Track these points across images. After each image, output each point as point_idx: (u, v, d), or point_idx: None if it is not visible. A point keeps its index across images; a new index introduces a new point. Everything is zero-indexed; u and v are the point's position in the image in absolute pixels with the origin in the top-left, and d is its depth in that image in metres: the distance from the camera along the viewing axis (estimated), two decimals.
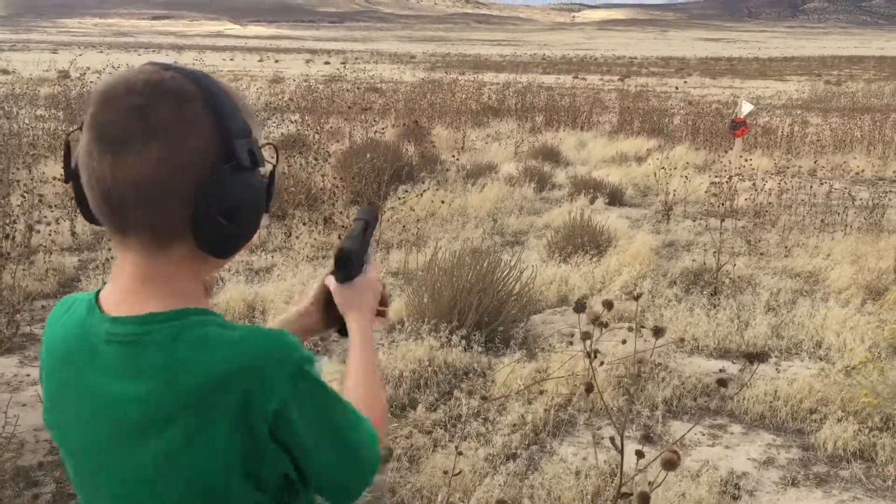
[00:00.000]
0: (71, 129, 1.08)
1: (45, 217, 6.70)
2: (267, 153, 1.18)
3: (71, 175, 1.07)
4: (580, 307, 2.31)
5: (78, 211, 1.11)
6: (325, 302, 1.44)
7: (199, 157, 1.02)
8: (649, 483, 2.76)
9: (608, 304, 2.45)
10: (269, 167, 1.13)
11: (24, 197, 6.85)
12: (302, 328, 1.44)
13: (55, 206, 7.51)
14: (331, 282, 1.43)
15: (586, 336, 2.38)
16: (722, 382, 2.51)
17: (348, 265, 1.41)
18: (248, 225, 1.08)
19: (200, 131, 1.02)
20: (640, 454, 2.45)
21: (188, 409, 1.00)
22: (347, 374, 1.29)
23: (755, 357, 2.41)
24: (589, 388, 2.60)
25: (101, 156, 1.00)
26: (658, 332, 2.41)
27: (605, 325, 2.42)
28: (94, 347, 1.06)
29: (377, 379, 1.31)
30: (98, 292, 1.11)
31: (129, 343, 1.03)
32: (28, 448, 3.79)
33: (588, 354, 2.43)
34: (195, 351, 1.01)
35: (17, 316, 5.29)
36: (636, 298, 2.81)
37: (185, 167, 1.01)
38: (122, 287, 1.08)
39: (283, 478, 1.08)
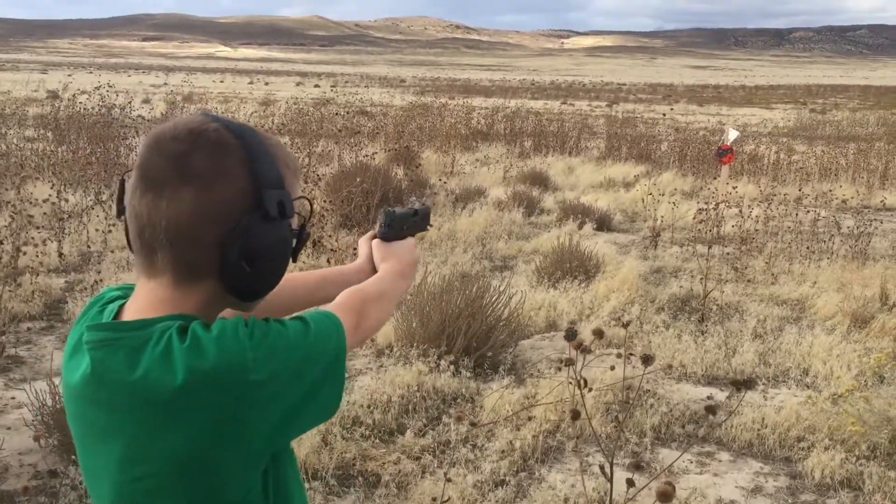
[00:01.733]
0: (126, 171, 1.15)
1: (33, 238, 6.68)
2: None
3: (122, 210, 1.14)
4: (571, 335, 2.32)
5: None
6: (373, 265, 1.54)
7: (229, 206, 1.08)
8: None
9: (598, 333, 2.46)
10: (299, 219, 1.19)
11: (13, 218, 6.81)
12: (357, 284, 1.49)
13: (43, 227, 7.47)
14: (375, 240, 1.55)
15: (569, 362, 2.39)
16: (711, 409, 2.52)
17: (392, 224, 1.53)
18: (270, 272, 1.14)
19: (233, 181, 1.08)
20: (630, 483, 2.44)
21: (157, 411, 1.03)
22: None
23: (742, 384, 2.43)
24: (576, 415, 2.60)
25: (142, 195, 1.08)
26: (647, 360, 2.42)
27: (589, 352, 2.43)
28: (78, 350, 1.12)
29: (368, 299, 1.32)
30: (122, 305, 1.16)
31: (99, 348, 1.07)
32: (12, 472, 3.74)
33: (577, 382, 2.44)
34: (160, 365, 1.02)
35: (3, 338, 5.25)
36: (625, 326, 2.82)
37: (215, 214, 1.07)
38: (140, 307, 1.12)
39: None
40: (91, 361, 1.07)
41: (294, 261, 1.19)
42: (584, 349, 2.30)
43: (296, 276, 1.53)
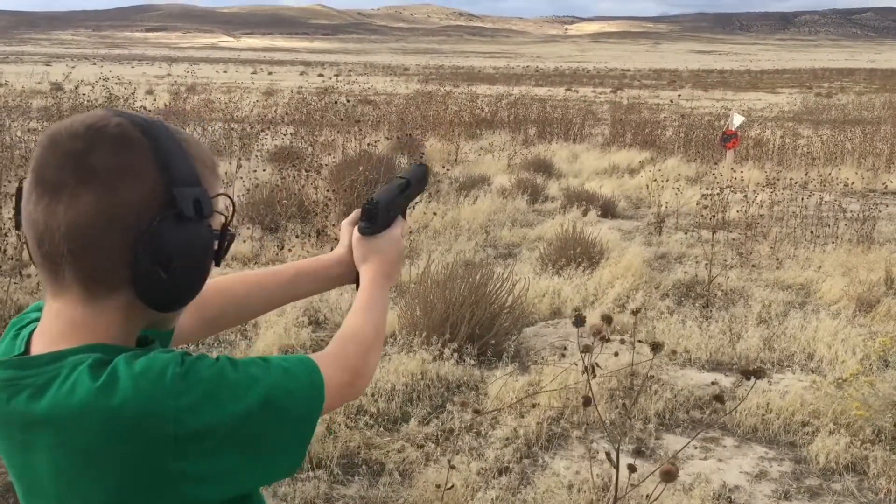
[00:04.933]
0: (23, 175, 1.02)
1: None
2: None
3: (21, 222, 1.02)
4: (579, 321, 2.32)
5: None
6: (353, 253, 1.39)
7: (137, 206, 0.97)
8: (647, 497, 2.76)
9: (607, 319, 2.46)
10: (221, 219, 1.07)
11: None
12: (337, 277, 1.40)
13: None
14: (355, 232, 1.37)
15: (587, 349, 2.38)
16: (719, 398, 2.51)
17: (373, 217, 1.34)
18: (190, 278, 1.02)
19: (140, 180, 0.97)
20: (632, 468, 2.44)
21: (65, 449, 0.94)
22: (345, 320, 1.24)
23: (752, 374, 2.40)
24: (587, 402, 2.60)
25: (38, 200, 0.97)
26: (656, 347, 2.41)
27: (607, 340, 2.42)
28: None
29: (368, 346, 1.19)
30: (31, 332, 1.05)
31: (4, 388, 0.97)
32: None
33: (586, 369, 2.44)
34: (64, 405, 0.92)
35: None
36: (634, 313, 2.82)
37: (120, 216, 0.96)
38: (48, 335, 1.01)
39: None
40: None
41: (217, 264, 1.07)
42: (603, 337, 2.30)
43: (265, 272, 1.41)
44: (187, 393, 0.92)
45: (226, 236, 1.07)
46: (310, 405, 1.03)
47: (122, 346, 0.99)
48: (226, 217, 1.09)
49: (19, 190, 1.02)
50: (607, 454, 2.57)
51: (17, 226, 1.03)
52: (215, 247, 1.05)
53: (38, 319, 1.06)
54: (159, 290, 0.99)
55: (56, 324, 1.00)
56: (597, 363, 2.53)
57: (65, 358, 0.95)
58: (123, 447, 0.91)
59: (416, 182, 1.44)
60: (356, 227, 1.37)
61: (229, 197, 1.12)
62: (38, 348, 1.00)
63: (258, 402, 0.97)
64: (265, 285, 1.37)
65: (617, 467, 2.58)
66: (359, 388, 1.15)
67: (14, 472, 1.02)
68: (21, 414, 0.95)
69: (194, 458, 0.93)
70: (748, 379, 2.20)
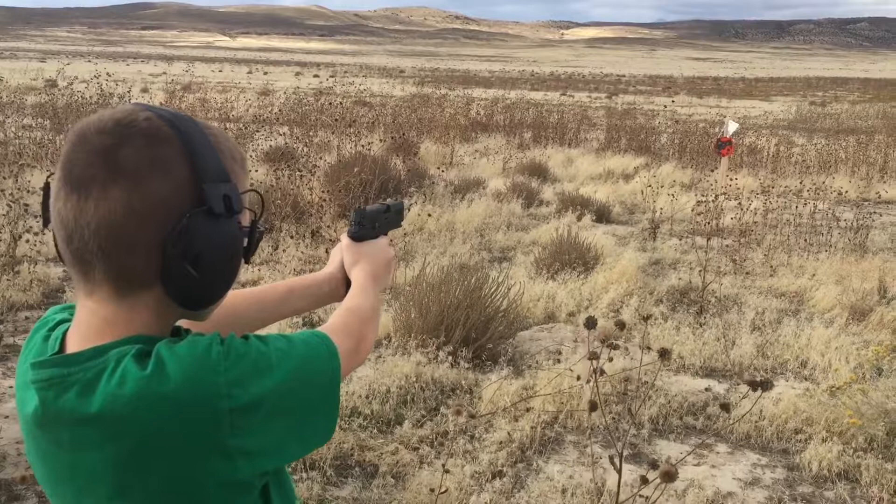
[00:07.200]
0: (51, 172, 1.01)
1: (31, 227, 6.66)
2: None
3: (49, 219, 1.01)
4: (591, 324, 2.32)
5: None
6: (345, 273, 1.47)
7: (167, 202, 0.96)
8: (645, 499, 2.77)
9: (621, 325, 2.45)
10: (250, 215, 1.08)
11: (10, 206, 6.80)
12: (327, 294, 1.44)
13: (41, 216, 7.44)
14: (345, 238, 1.45)
15: (594, 356, 2.38)
16: (725, 407, 2.49)
17: (362, 222, 1.44)
18: (220, 276, 1.02)
19: (170, 175, 0.97)
20: (644, 480, 2.43)
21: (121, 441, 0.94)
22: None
23: (759, 385, 2.37)
24: (593, 407, 2.60)
25: (67, 197, 0.96)
26: (664, 354, 2.40)
27: (616, 347, 2.41)
28: (27, 388, 1.01)
29: (365, 319, 1.25)
30: (66, 331, 1.04)
31: (48, 388, 0.97)
32: (10, 461, 3.74)
33: (594, 372, 2.43)
34: (117, 397, 0.92)
35: (1, 327, 5.25)
36: (645, 319, 2.82)
37: (150, 212, 0.96)
38: (84, 333, 1.01)
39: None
40: (41, 403, 0.97)
41: (247, 262, 1.07)
42: (612, 345, 2.30)
43: (259, 289, 1.43)
44: (233, 368, 0.95)
45: (255, 233, 1.08)
46: (332, 372, 1.07)
47: (160, 336, 1.00)
48: (255, 213, 1.09)
49: (47, 186, 1.01)
50: (611, 458, 2.56)
51: (45, 223, 1.02)
52: (245, 244, 1.06)
53: (64, 321, 1.07)
54: (189, 289, 0.99)
55: (92, 321, 1.00)
56: (603, 370, 2.54)
57: (107, 352, 0.96)
58: (181, 430, 0.92)
59: (395, 212, 1.55)
60: (346, 233, 1.46)
61: (258, 193, 1.12)
62: (74, 346, 1.00)
63: (291, 372, 1.00)
64: (262, 300, 1.41)
65: (620, 473, 2.57)
66: (362, 353, 1.21)
67: (60, 473, 1.00)
68: (71, 411, 0.95)
69: (248, 431, 0.95)
70: (755, 390, 2.17)
